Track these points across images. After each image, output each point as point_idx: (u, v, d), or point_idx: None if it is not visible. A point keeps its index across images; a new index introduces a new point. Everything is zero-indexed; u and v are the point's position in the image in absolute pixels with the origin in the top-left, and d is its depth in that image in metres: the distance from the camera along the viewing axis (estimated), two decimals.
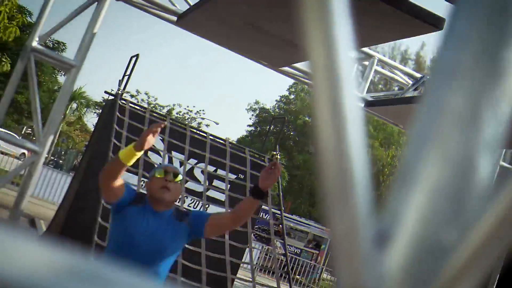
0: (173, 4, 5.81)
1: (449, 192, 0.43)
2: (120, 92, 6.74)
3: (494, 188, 0.41)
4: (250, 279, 6.59)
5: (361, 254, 0.44)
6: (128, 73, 7.37)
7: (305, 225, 17.44)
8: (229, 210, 6.67)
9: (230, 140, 7.97)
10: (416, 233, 0.43)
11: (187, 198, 7.35)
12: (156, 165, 3.12)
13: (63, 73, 25.45)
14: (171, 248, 2.84)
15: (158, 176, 2.91)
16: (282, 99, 36.56)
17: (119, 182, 2.85)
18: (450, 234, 0.42)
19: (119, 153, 2.86)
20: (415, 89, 6.69)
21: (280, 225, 7.12)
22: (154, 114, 7.11)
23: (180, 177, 2.94)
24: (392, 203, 0.45)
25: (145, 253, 2.77)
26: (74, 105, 32.12)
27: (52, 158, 27.68)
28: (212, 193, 7.42)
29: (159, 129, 2.80)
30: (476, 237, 0.41)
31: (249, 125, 38.40)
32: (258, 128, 36.82)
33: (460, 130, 0.43)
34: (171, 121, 7.03)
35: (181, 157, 7.07)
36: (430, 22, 2.68)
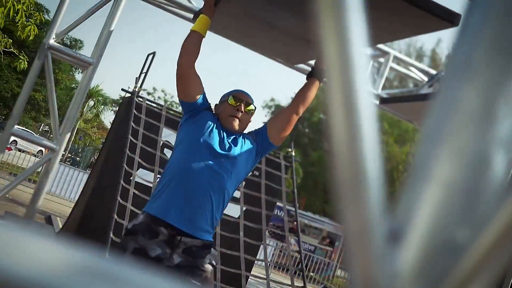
0: (190, 2, 5.82)
1: (462, 190, 0.43)
2: (136, 89, 6.77)
3: (508, 186, 0.41)
4: (264, 276, 6.59)
5: (373, 251, 0.44)
6: (145, 70, 7.39)
7: (320, 222, 17.38)
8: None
9: None
10: (429, 231, 0.43)
11: None
12: (230, 89, 3.01)
13: (80, 71, 25.65)
14: (241, 160, 2.74)
15: (230, 103, 2.82)
16: None
17: (197, 78, 2.78)
18: (463, 232, 0.42)
19: (192, 28, 2.84)
20: (430, 86, 6.66)
21: (295, 222, 7.11)
22: (171, 112, 7.12)
23: (252, 106, 2.85)
24: (404, 200, 0.45)
25: (215, 160, 2.67)
26: (91, 103, 32.34)
27: (69, 155, 27.90)
28: None
29: None
30: (490, 236, 0.40)
31: (264, 123, 38.26)
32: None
33: (474, 127, 0.43)
34: None
35: None
36: (446, 18, 2.65)
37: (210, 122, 2.77)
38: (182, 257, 2.60)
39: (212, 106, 2.91)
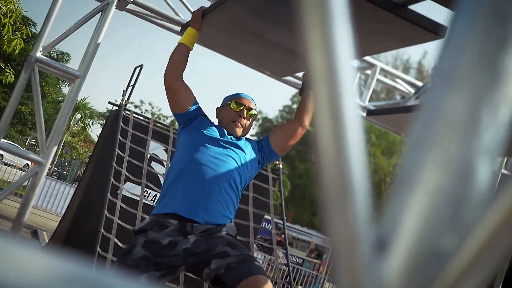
0: (177, 14, 5.83)
1: (448, 198, 0.43)
2: (124, 102, 6.76)
3: (493, 194, 0.41)
4: None
5: (360, 260, 0.44)
6: (132, 83, 7.39)
7: (307, 234, 17.35)
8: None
9: None
10: (415, 239, 0.43)
11: None
12: (232, 93, 3.00)
13: (67, 84, 25.55)
14: (245, 156, 2.71)
15: (232, 108, 2.81)
16: (285, 108, 36.61)
17: (186, 88, 2.77)
18: (449, 239, 0.42)
19: (180, 40, 2.88)
20: (416, 98, 6.71)
21: (283, 235, 7.10)
22: (158, 125, 7.11)
23: (253, 111, 2.85)
24: (391, 209, 0.45)
25: (219, 147, 2.65)
26: (78, 116, 32.20)
27: (55, 169, 27.70)
28: None
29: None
30: (475, 243, 0.41)
31: (252, 135, 38.35)
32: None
33: (459, 136, 0.43)
34: (174, 131, 7.04)
35: None
36: (432, 30, 2.67)
37: (209, 124, 2.77)
38: (197, 236, 2.50)
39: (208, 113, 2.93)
